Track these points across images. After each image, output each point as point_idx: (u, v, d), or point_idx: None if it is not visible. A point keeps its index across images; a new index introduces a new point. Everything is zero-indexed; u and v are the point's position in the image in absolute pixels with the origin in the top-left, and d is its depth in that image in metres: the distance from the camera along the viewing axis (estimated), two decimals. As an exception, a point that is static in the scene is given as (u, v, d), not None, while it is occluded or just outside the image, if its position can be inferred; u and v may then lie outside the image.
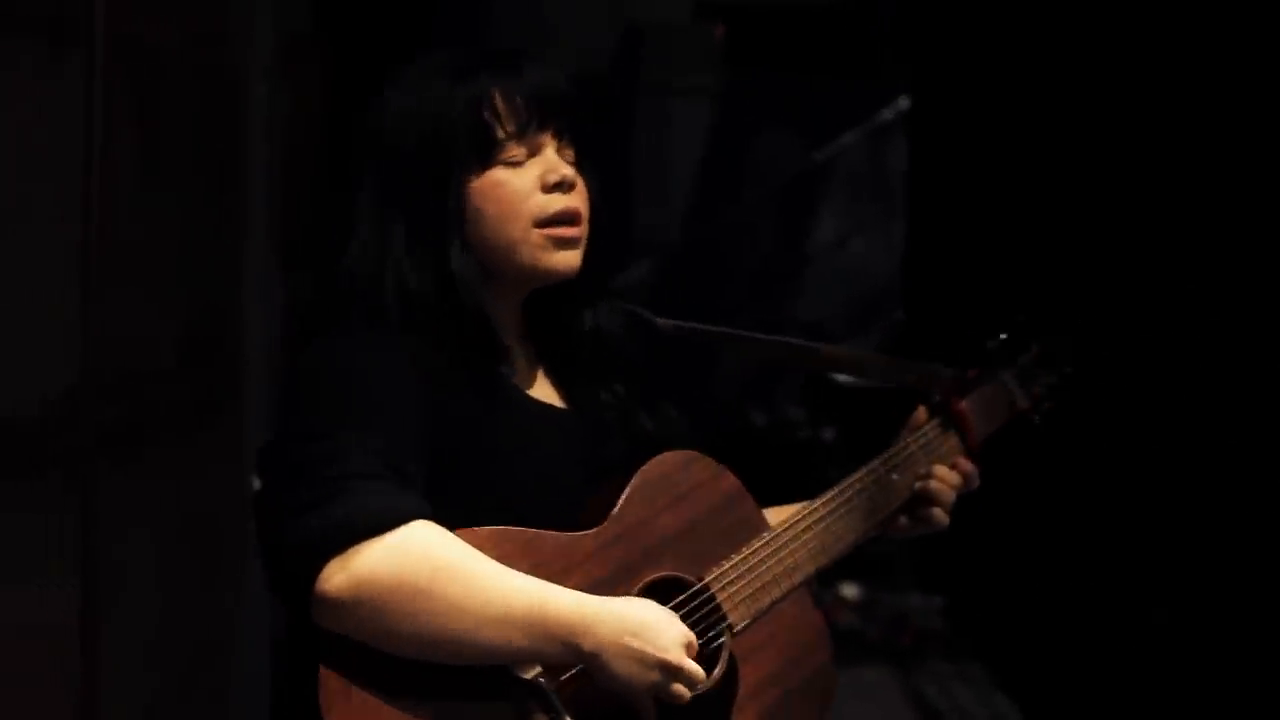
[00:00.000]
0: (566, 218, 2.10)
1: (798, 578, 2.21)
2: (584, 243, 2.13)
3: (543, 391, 2.19)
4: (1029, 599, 5.92)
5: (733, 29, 9.40)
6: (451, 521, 1.93)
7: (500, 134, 2.07)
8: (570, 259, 2.12)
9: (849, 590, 7.17)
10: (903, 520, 2.40)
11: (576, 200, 2.12)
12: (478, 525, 1.97)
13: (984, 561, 6.33)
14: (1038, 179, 5.80)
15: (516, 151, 2.09)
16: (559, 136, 2.12)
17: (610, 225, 2.18)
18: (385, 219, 2.08)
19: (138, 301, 3.45)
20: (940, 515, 2.39)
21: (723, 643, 2.12)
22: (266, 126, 4.39)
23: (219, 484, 3.97)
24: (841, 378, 7.66)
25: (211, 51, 4.06)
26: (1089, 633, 5.20)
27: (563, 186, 2.10)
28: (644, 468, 2.13)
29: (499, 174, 2.08)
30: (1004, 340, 2.57)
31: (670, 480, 2.15)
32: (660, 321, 2.30)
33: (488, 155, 2.07)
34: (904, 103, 8.77)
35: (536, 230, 2.09)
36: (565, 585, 1.97)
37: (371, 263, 2.07)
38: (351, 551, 1.85)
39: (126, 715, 3.39)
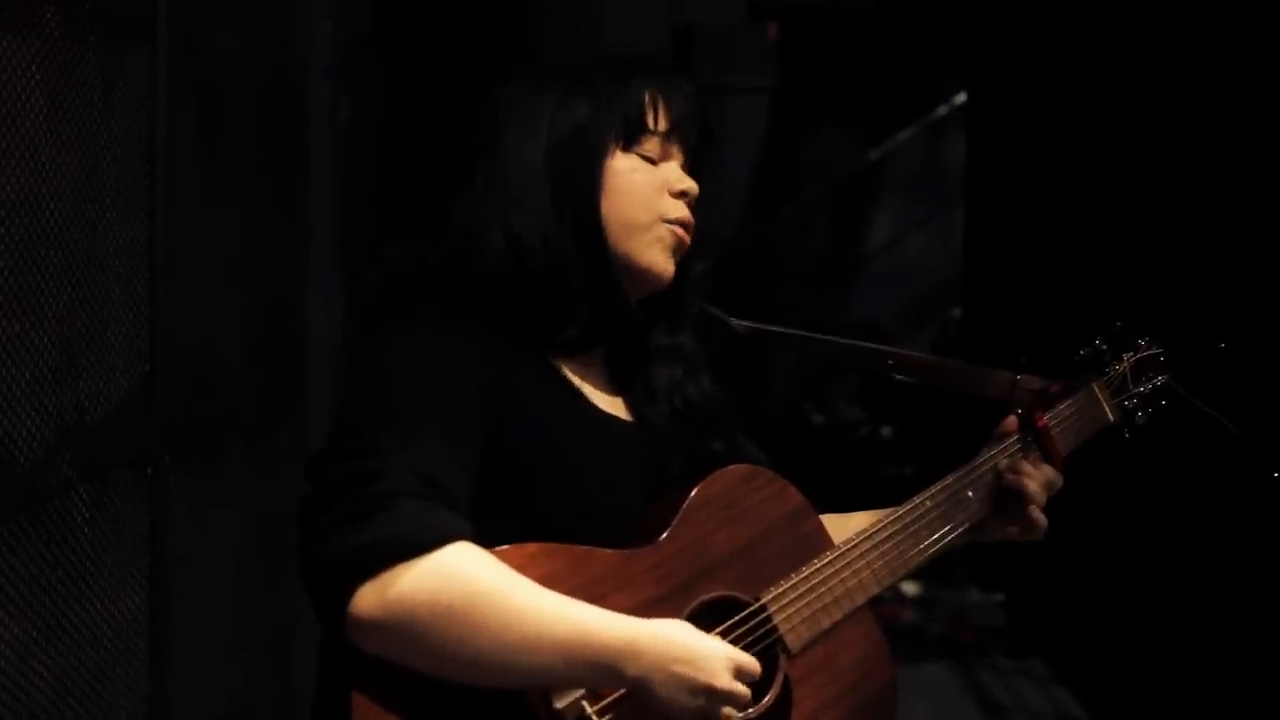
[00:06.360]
0: (687, 225, 2.12)
1: (860, 598, 2.12)
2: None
3: (608, 402, 2.15)
4: (1088, 594, 5.90)
5: (787, 28, 9.41)
6: (504, 526, 1.90)
7: (650, 125, 2.10)
8: (671, 266, 2.13)
9: (909, 587, 7.17)
10: (1001, 526, 2.28)
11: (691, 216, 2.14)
12: (530, 532, 1.92)
13: (1042, 558, 6.30)
14: (1097, 172, 5.77)
15: (654, 148, 2.11)
16: (687, 155, 2.15)
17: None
18: (524, 179, 2.05)
19: (204, 302, 3.47)
20: (1038, 516, 2.27)
21: (778, 666, 2.03)
22: (329, 127, 4.41)
23: (285, 483, 3.98)
24: (902, 378, 7.63)
25: (273, 51, 4.08)
26: (1148, 627, 5.18)
27: (687, 197, 2.13)
28: (703, 483, 2.06)
29: (634, 161, 2.09)
30: (1096, 350, 2.44)
31: (730, 496, 2.07)
32: (737, 323, 2.26)
33: (631, 140, 2.09)
34: (960, 97, 8.76)
35: (662, 224, 2.10)
36: (616, 603, 1.91)
37: (492, 223, 2.03)
38: (386, 574, 1.79)
39: (195, 711, 3.41)
